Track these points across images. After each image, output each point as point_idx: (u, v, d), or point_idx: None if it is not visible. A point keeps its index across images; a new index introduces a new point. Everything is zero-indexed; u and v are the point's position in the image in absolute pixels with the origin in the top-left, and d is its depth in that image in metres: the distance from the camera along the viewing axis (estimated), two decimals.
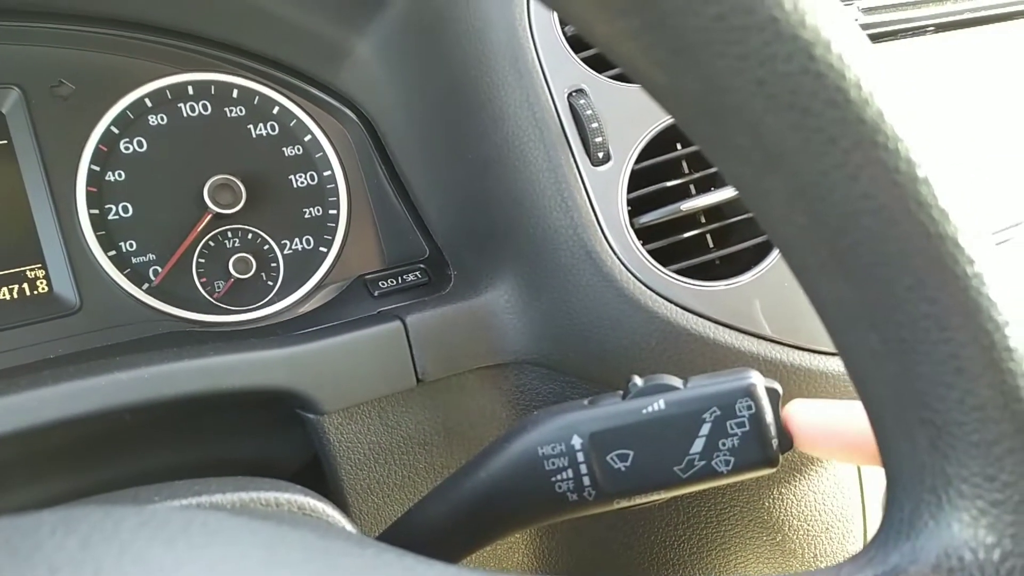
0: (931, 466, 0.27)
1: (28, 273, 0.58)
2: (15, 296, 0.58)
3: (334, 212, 0.67)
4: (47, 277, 0.59)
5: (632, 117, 0.53)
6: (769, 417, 0.39)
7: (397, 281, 0.60)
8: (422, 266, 0.62)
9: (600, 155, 0.52)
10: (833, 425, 0.38)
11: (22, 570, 0.19)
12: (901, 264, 0.25)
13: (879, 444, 0.30)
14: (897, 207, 0.24)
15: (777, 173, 0.25)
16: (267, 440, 0.60)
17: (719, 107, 0.25)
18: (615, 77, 0.54)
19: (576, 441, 0.39)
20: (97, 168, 0.61)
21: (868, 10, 0.64)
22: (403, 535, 0.43)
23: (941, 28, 0.70)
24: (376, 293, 0.60)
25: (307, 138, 0.67)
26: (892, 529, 0.29)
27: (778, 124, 0.24)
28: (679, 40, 0.24)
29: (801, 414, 0.39)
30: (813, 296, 0.28)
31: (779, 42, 0.23)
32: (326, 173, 0.68)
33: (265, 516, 0.33)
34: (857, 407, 0.38)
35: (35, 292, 0.58)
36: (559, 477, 0.39)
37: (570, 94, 0.53)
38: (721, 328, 0.52)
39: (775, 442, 0.39)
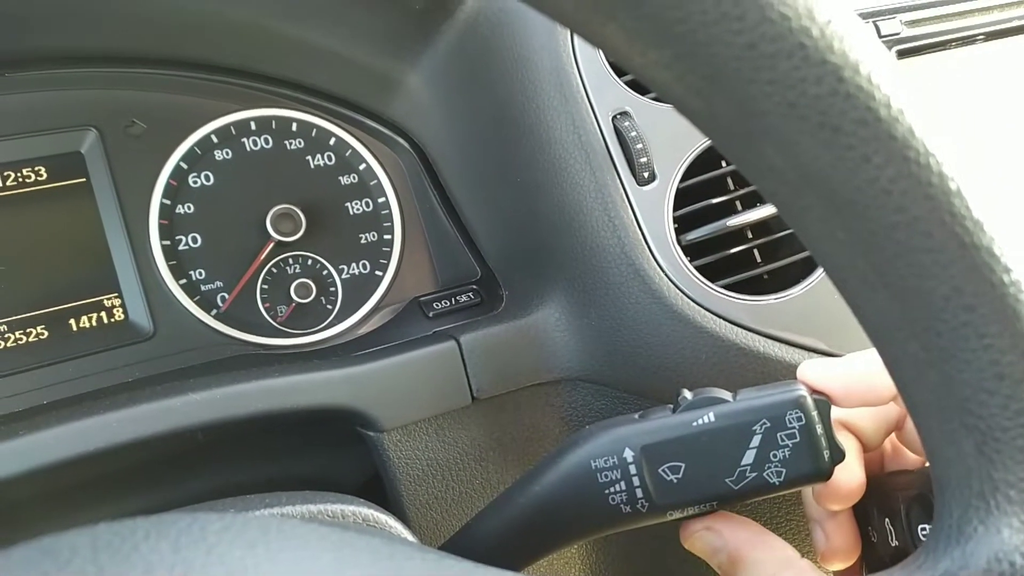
0: (978, 471, 0.28)
1: (105, 302, 0.62)
2: (93, 324, 0.61)
3: (389, 237, 0.70)
4: (123, 305, 0.62)
5: (676, 137, 0.54)
6: (820, 428, 0.39)
7: (451, 302, 0.62)
8: (474, 287, 0.64)
9: (645, 175, 0.53)
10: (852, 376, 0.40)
11: (122, 569, 0.21)
12: (938, 274, 0.26)
13: (926, 451, 0.30)
14: (931, 219, 0.25)
15: (813, 191, 0.26)
16: (330, 458, 0.62)
17: (753, 130, 0.26)
18: (658, 99, 0.55)
19: (628, 454, 0.40)
20: (168, 202, 0.64)
21: (912, 23, 0.64)
22: (462, 547, 0.44)
23: (991, 36, 0.70)
24: (431, 314, 0.61)
25: (362, 167, 0.70)
26: (942, 535, 0.29)
27: (811, 144, 0.25)
28: (711, 68, 0.25)
29: (816, 372, 0.40)
30: (855, 308, 0.29)
31: (808, 66, 0.24)
32: (380, 200, 0.70)
33: (333, 525, 0.35)
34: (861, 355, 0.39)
35: (112, 320, 0.62)
36: (612, 490, 0.40)
37: (614, 116, 0.54)
38: (771, 342, 0.52)
39: (827, 453, 0.39)
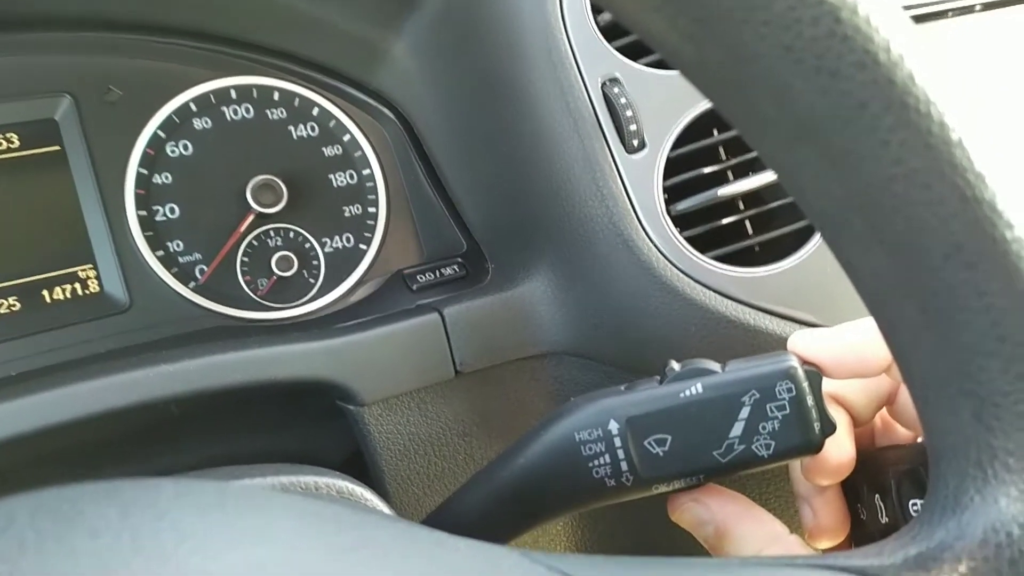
0: (975, 439, 0.27)
1: (80, 273, 0.60)
2: (68, 296, 0.60)
3: (373, 210, 0.68)
4: (98, 277, 0.60)
5: (667, 104, 0.53)
6: (810, 400, 0.38)
7: (435, 275, 0.61)
8: (460, 260, 0.63)
9: (635, 143, 0.52)
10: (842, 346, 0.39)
11: (64, 534, 0.20)
12: (937, 230, 0.24)
13: (921, 420, 0.29)
14: (931, 171, 0.24)
15: (807, 142, 0.25)
16: (310, 434, 0.61)
17: (746, 76, 0.25)
18: (649, 65, 0.53)
19: (613, 426, 0.39)
20: (145, 171, 0.62)
21: None
22: (442, 522, 0.43)
23: (988, 6, 0.68)
24: (414, 287, 0.60)
25: (346, 138, 0.68)
26: (937, 505, 0.28)
27: (806, 90, 0.24)
28: (703, 9, 0.23)
29: (808, 343, 0.39)
30: (850, 269, 0.28)
31: (804, 6, 0.23)
32: (365, 172, 0.69)
33: (302, 495, 0.34)
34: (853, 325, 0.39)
35: (87, 292, 0.60)
36: (597, 463, 0.39)
37: (604, 83, 0.53)
38: (761, 314, 0.51)
39: (817, 425, 0.38)
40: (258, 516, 0.23)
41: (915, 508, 0.38)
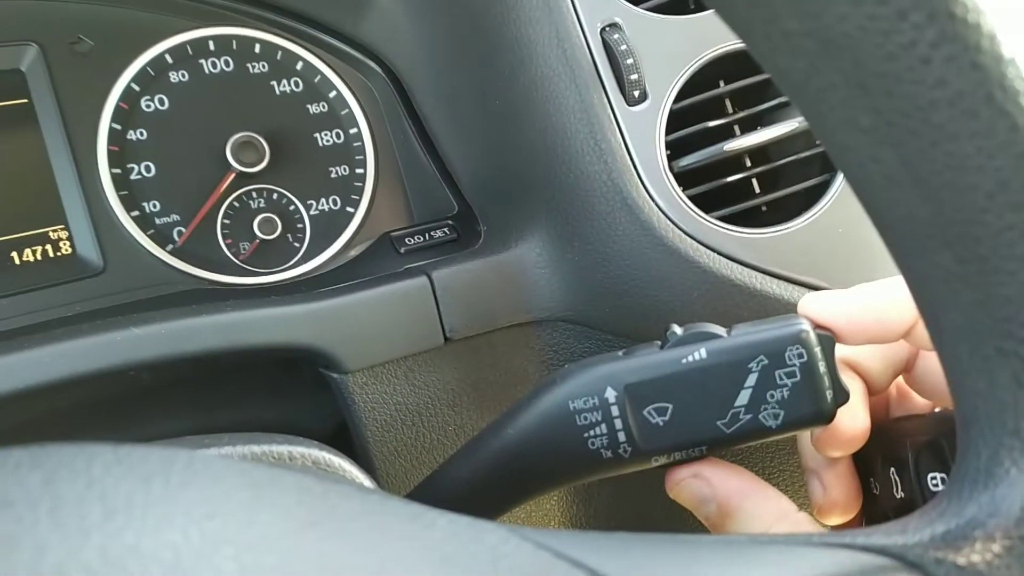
0: (1013, 405, 0.24)
1: (51, 234, 0.57)
2: (39, 258, 0.57)
3: (361, 171, 0.65)
4: (70, 238, 0.58)
5: (671, 52, 0.50)
6: (823, 366, 0.36)
7: (424, 238, 0.58)
8: (450, 222, 0.60)
9: (636, 94, 0.49)
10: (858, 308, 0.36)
11: None
12: (982, 165, 0.21)
13: (951, 383, 0.26)
14: (978, 95, 0.21)
15: (835, 65, 0.22)
16: (294, 405, 0.58)
17: None
18: (652, 9, 0.50)
19: (610, 394, 0.37)
20: (118, 127, 0.59)
21: None
22: (428, 496, 0.41)
23: None
24: (403, 250, 0.57)
25: (332, 94, 0.65)
26: (967, 478, 0.25)
27: None
28: None
29: (820, 305, 0.37)
30: (876, 214, 0.25)
31: None
32: (352, 131, 0.65)
33: (267, 465, 0.31)
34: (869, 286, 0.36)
35: (58, 253, 0.57)
36: (592, 433, 0.37)
37: (603, 29, 0.50)
38: (768, 278, 0.49)
39: (830, 393, 0.36)
40: (209, 486, 0.20)
41: (934, 482, 0.35)
